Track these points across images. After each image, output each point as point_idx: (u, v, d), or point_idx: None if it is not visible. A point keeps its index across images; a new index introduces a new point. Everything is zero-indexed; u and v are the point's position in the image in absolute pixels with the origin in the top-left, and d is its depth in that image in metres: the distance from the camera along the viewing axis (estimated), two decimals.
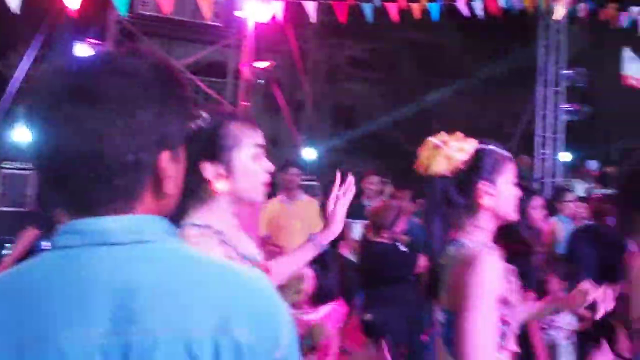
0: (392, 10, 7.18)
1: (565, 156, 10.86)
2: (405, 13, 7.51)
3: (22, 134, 7.70)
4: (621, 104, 15.75)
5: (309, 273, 2.90)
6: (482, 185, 1.70)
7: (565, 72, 9.95)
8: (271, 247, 4.90)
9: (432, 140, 1.73)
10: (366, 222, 5.66)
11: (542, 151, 10.40)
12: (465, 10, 7.69)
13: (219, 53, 11.11)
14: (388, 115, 15.46)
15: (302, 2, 6.88)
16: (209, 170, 1.49)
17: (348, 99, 17.63)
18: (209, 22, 9.85)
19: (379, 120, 15.49)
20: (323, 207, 7.37)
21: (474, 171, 1.71)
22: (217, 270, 0.82)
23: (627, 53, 9.76)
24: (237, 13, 7.99)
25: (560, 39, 9.97)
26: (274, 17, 8.95)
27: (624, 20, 8.67)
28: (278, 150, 14.29)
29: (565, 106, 10.03)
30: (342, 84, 16.67)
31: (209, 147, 1.49)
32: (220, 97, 10.54)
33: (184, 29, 10.86)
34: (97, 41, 8.78)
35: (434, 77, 14.65)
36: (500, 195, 1.72)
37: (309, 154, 9.91)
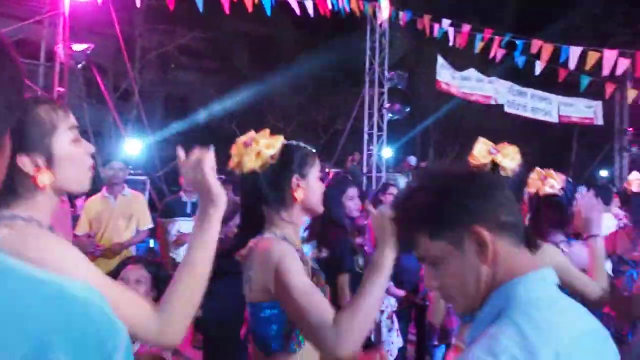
0: (224, 1, 7.01)
1: (388, 152, 11.68)
2: (238, 5, 7.38)
3: None
4: (437, 105, 17.53)
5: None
6: (295, 180, 1.76)
7: (388, 74, 10.68)
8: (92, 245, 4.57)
9: (242, 138, 1.75)
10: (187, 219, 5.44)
11: (369, 147, 11.05)
12: (296, 8, 7.80)
13: (31, 31, 9.89)
14: (222, 107, 15.24)
15: None
16: (26, 163, 1.31)
17: (180, 88, 17.01)
18: None
19: (213, 111, 15.20)
20: (151, 202, 6.97)
21: (286, 166, 1.76)
22: (33, 284, 0.64)
23: (440, 60, 10.79)
24: None
25: (384, 43, 10.67)
26: None
27: (437, 30, 9.54)
28: (101, 142, 13.25)
29: (388, 105, 10.76)
30: (173, 72, 16.01)
31: (21, 137, 1.31)
32: (32, 82, 9.38)
33: None
34: None
35: (269, 70, 14.77)
36: (310, 189, 1.79)
37: (135, 146, 9.30)
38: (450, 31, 9.36)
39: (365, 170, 10.99)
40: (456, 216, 1.07)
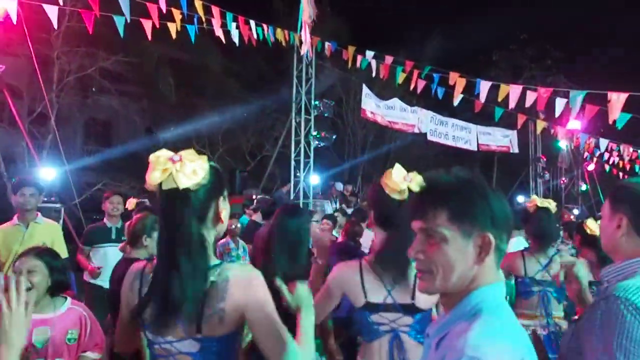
0: (147, 26, 6.87)
1: (315, 179, 11.76)
2: (162, 30, 7.26)
3: None
4: (364, 132, 17.95)
5: None
6: (221, 202, 1.75)
7: (315, 102, 10.83)
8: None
9: (164, 153, 1.70)
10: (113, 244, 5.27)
11: (296, 174, 11.08)
12: (221, 36, 7.78)
13: None
14: (146, 132, 14.84)
15: (43, 5, 6.11)
16: None
17: (101, 113, 16.41)
18: None
19: (136, 137, 14.76)
20: (66, 230, 6.62)
21: (216, 187, 1.73)
22: None
23: (366, 90, 11.08)
24: None
25: (310, 72, 10.84)
26: (8, 16, 7.79)
27: (361, 61, 9.82)
28: (14, 168, 12.48)
29: (314, 133, 10.88)
30: (94, 97, 15.43)
31: None
32: None
33: None
34: None
35: (195, 96, 14.59)
36: (226, 211, 1.80)
37: (49, 173, 8.85)
38: (373, 63, 9.64)
39: (292, 196, 10.99)
40: (481, 216, 1.21)
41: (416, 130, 12.20)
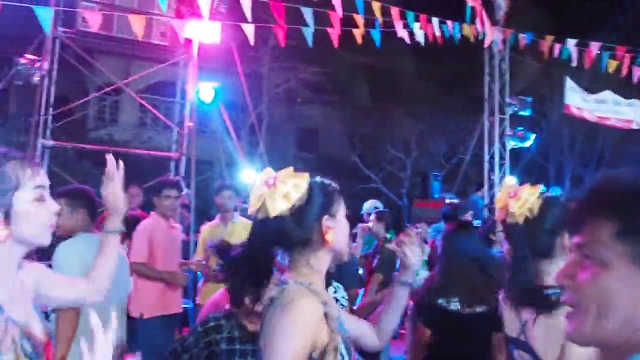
0: (333, 35, 7.20)
1: (511, 181, 10.99)
2: (349, 38, 7.54)
3: None
4: (569, 130, 16.24)
5: None
6: (325, 221, 1.59)
7: (510, 100, 10.15)
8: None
9: (261, 177, 1.60)
10: None
11: (491, 177, 10.51)
12: (406, 37, 7.76)
13: (169, 73, 10.98)
14: (344, 139, 15.57)
15: (241, 24, 6.83)
16: None
17: (305, 122, 17.68)
18: (157, 42, 9.74)
19: (335, 143, 15.58)
20: None
21: (315, 206, 1.59)
22: None
23: (569, 83, 10.01)
24: (183, 34, 7.89)
25: (504, 67, 10.19)
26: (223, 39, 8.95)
27: (563, 51, 8.89)
28: (227, 172, 14.14)
29: (510, 133, 10.19)
30: (300, 107, 16.72)
31: None
32: (169, 119, 10.36)
33: (130, 47, 10.72)
34: (35, 57, 8.57)
35: (388, 101, 14.81)
36: (339, 230, 1.63)
37: (249, 176, 9.82)
38: (574, 51, 8.65)
39: (487, 201, 10.43)
40: None
41: (634, 127, 10.60)
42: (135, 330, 4.45)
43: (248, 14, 6.37)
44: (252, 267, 1.60)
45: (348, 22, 7.17)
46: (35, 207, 1.45)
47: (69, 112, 10.42)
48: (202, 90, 9.23)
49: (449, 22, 8.13)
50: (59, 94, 10.03)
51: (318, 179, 1.66)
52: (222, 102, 10.18)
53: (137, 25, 6.20)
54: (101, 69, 9.87)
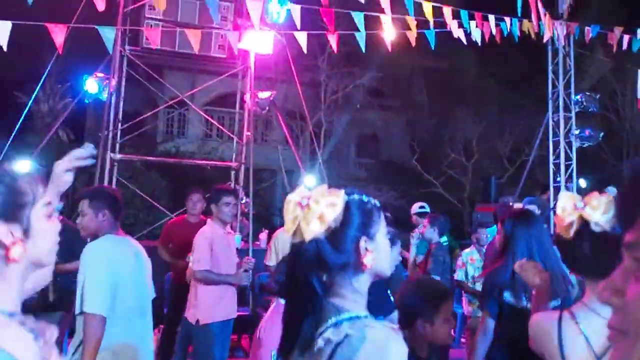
0: (387, 38, 7.15)
1: (581, 183, 10.47)
2: (404, 41, 7.46)
3: (18, 168, 7.91)
4: None
5: None
6: (363, 242, 1.49)
7: (575, 97, 9.68)
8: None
9: (295, 199, 1.49)
10: None
11: (556, 179, 10.04)
12: (461, 36, 7.58)
13: (229, 85, 11.28)
14: (404, 143, 15.40)
15: (294, 33, 6.92)
16: (3, 232, 1.31)
17: (364, 127, 17.64)
18: (216, 55, 10.02)
19: (394, 146, 15.45)
20: None
21: (351, 227, 1.49)
22: None
23: None
24: (239, 45, 8.09)
25: (568, 63, 9.73)
26: (279, 48, 9.12)
27: (633, 43, 8.39)
28: (290, 177, 14.32)
29: (576, 132, 9.71)
30: (358, 112, 16.71)
31: (5, 204, 1.32)
32: (229, 129, 10.66)
33: (191, 61, 11.09)
34: (104, 75, 9.03)
35: (448, 102, 14.52)
36: (379, 251, 1.53)
37: (310, 181, 9.88)
38: None
39: (552, 204, 9.98)
40: None
41: None
42: (193, 336, 4.57)
43: (298, 22, 6.45)
44: (296, 294, 1.52)
45: (400, 25, 7.10)
46: (47, 225, 1.40)
47: (138, 125, 10.92)
48: (259, 100, 9.42)
49: (507, 19, 7.87)
50: (129, 108, 10.55)
51: (356, 196, 1.55)
52: (280, 110, 10.37)
53: (193, 39, 6.42)
54: (166, 84, 10.28)
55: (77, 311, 2.87)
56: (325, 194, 1.48)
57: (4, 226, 1.30)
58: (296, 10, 6.38)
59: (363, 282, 1.51)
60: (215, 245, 4.59)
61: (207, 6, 6.36)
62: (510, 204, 10.68)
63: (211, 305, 4.53)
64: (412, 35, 7.25)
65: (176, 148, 15.94)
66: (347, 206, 1.50)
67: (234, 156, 10.42)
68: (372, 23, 6.97)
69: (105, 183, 9.46)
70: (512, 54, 13.11)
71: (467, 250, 6.46)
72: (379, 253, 1.53)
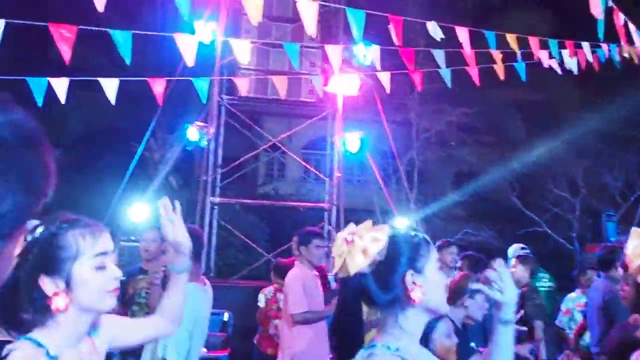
0: (473, 73, 7.03)
1: None
2: (492, 74, 7.30)
3: (135, 210, 8.59)
4: None
5: None
6: (410, 276, 1.49)
7: None
8: None
9: (342, 235, 1.55)
10: None
11: None
12: (554, 66, 7.27)
13: (324, 128, 11.62)
14: (501, 179, 14.81)
15: (376, 73, 7.02)
16: (47, 285, 1.43)
17: (462, 164, 17.20)
18: (305, 99, 10.40)
19: (492, 184, 14.88)
20: None
21: (396, 261, 1.50)
22: None
23: None
24: (325, 88, 8.37)
25: None
26: (366, 90, 9.31)
27: None
28: (382, 220, 14.24)
29: None
30: (453, 150, 16.39)
31: (46, 259, 1.43)
32: (320, 171, 10.91)
33: (284, 107, 11.56)
34: (204, 123, 9.68)
35: (545, 136, 13.83)
36: (430, 285, 1.51)
37: (400, 222, 9.75)
38: None
39: None
40: None
41: None
42: None
43: (378, 64, 6.54)
44: (343, 329, 1.55)
45: (486, 58, 6.96)
46: (94, 275, 1.47)
47: (238, 169, 11.50)
48: (349, 141, 9.58)
49: (604, 45, 7.46)
50: (229, 153, 11.14)
51: (402, 230, 1.60)
52: (370, 151, 10.45)
53: (279, 85, 6.71)
54: (257, 129, 10.78)
55: (159, 356, 3.09)
56: (370, 229, 1.52)
57: (47, 279, 1.43)
58: (376, 50, 6.49)
59: (412, 319, 1.50)
60: (307, 287, 4.56)
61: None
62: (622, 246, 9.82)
63: (302, 347, 4.49)
64: (499, 68, 7.08)
65: (275, 191, 16.45)
66: (393, 240, 1.52)
67: (326, 197, 10.64)
68: (456, 58, 6.90)
69: (206, 225, 10.01)
70: (612, 81, 12.34)
71: (573, 295, 5.88)
72: (430, 287, 1.50)
